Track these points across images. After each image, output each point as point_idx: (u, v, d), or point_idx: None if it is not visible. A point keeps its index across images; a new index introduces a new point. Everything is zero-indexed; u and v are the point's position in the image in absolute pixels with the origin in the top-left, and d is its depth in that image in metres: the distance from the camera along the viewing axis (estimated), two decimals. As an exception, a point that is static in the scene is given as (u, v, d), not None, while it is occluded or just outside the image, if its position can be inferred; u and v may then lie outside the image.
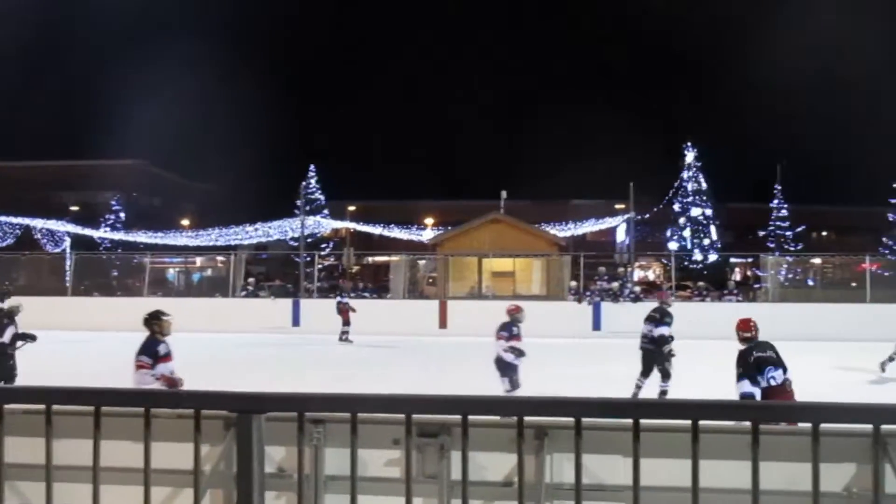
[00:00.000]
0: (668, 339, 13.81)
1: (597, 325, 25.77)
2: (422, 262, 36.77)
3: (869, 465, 4.15)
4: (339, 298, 25.66)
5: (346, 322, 24.88)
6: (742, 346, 9.21)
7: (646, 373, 14.05)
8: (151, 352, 9.30)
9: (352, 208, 58.75)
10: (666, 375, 13.92)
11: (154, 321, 9.56)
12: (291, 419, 3.00)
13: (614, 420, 3.51)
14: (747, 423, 2.92)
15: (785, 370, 8.84)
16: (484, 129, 76.23)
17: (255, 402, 3.16)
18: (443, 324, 26.54)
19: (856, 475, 4.33)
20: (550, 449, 4.46)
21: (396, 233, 44.68)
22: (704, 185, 56.42)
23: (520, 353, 12.47)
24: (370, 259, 51.37)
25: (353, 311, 24.99)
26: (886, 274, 39.38)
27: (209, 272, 48.70)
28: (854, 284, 34.27)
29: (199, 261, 49.85)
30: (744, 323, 9.47)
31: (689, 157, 56.29)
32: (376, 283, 44.21)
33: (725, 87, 69.64)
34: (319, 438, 4.31)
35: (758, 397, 8.50)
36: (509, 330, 12.65)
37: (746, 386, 8.71)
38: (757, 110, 62.63)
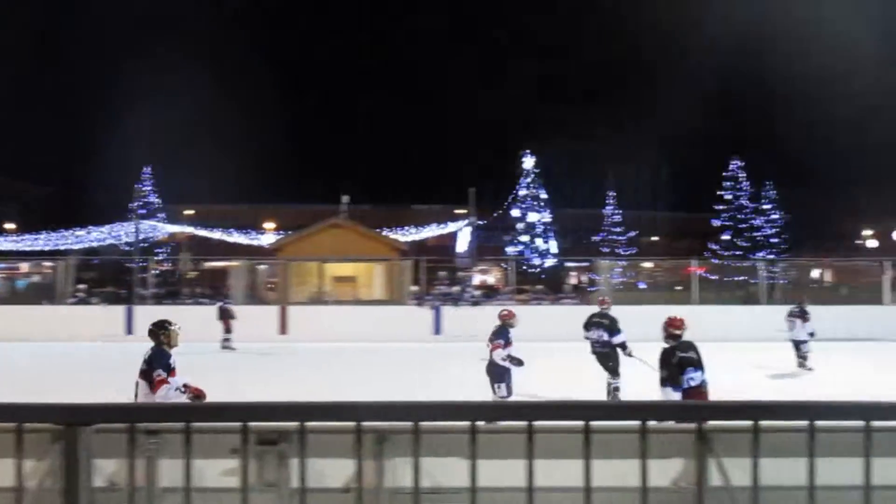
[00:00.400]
0: (625, 344, 14.54)
1: (437, 330, 26.00)
2: (261, 268, 36.14)
3: (693, 460, 4.34)
4: (221, 304, 25.06)
5: (229, 329, 24.24)
6: (666, 345, 9.38)
7: (615, 372, 14.60)
8: (165, 364, 8.63)
9: (189, 212, 57.21)
10: (616, 373, 14.54)
11: (161, 331, 8.90)
12: (123, 430, 2.90)
13: (452, 423, 3.55)
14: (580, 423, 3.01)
15: (703, 371, 9.01)
16: (325, 133, 75.70)
17: (82, 414, 3.04)
18: (283, 330, 26.19)
19: (682, 470, 4.54)
20: (390, 454, 4.47)
21: (235, 237, 43.83)
22: (542, 192, 58.02)
23: (518, 363, 12.36)
24: (208, 264, 50.11)
25: (234, 318, 24.39)
26: (712, 277, 41.56)
27: (36, 278, 46.20)
28: (679, 287, 35.90)
29: (24, 266, 47.21)
30: (677, 321, 9.66)
31: (528, 163, 57.72)
32: (214, 289, 43.14)
33: (563, 93, 71.68)
34: (154, 449, 4.16)
35: None
36: (505, 336, 12.68)
37: (669, 393, 8.84)
38: (592, 117, 64.80)
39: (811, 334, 19.28)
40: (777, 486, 4.11)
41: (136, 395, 8.60)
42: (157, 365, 8.59)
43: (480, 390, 12.49)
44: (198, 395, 8.57)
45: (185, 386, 8.65)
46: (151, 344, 8.78)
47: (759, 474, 3.74)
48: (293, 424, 3.16)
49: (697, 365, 9.04)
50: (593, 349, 14.86)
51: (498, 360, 12.41)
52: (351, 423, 3.13)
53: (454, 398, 3.65)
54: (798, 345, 19.35)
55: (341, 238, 30.99)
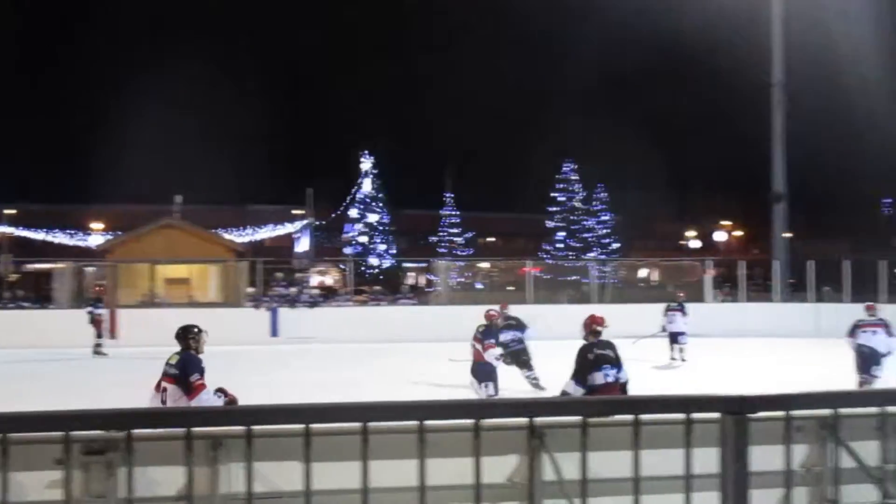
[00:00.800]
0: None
1: (274, 332, 25.68)
2: (89, 270, 34.63)
3: (527, 455, 4.47)
4: (91, 309, 23.90)
5: (100, 334, 23.28)
6: (585, 341, 9.49)
7: (529, 366, 15.89)
8: (201, 369, 8.49)
9: (10, 212, 54.18)
10: (531, 366, 15.84)
11: (190, 336, 8.66)
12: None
13: (287, 427, 3.54)
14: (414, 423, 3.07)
15: (620, 369, 9.23)
16: (155, 129, 73.07)
17: None
18: (113, 333, 25.20)
19: (517, 466, 4.65)
20: (225, 459, 4.39)
21: (60, 238, 41.87)
22: (381, 193, 58.26)
23: (509, 361, 13.01)
24: (30, 266, 47.58)
25: (102, 322, 23.51)
26: (546, 277, 42.75)
27: None
28: (512, 288, 36.78)
29: None
30: (598, 318, 9.78)
31: (366, 164, 57.82)
32: (38, 293, 41.01)
33: (403, 96, 71.97)
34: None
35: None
36: (495, 336, 13.17)
37: (571, 386, 9.04)
38: (431, 119, 65.49)
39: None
40: (606, 478, 4.31)
41: (163, 401, 8.33)
42: (193, 370, 8.49)
43: (317, 391, 12.42)
44: (232, 400, 8.39)
45: (219, 390, 8.49)
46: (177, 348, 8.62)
47: (589, 467, 3.91)
48: (121, 433, 3.07)
49: (615, 363, 9.28)
50: (507, 349, 15.38)
51: (491, 359, 12.70)
52: (181, 430, 3.08)
53: (289, 401, 3.64)
54: (677, 337, 20.86)
55: (174, 239, 30.13)
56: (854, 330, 15.13)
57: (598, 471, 4.21)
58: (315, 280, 42.78)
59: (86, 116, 66.58)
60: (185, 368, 8.53)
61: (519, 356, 15.83)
